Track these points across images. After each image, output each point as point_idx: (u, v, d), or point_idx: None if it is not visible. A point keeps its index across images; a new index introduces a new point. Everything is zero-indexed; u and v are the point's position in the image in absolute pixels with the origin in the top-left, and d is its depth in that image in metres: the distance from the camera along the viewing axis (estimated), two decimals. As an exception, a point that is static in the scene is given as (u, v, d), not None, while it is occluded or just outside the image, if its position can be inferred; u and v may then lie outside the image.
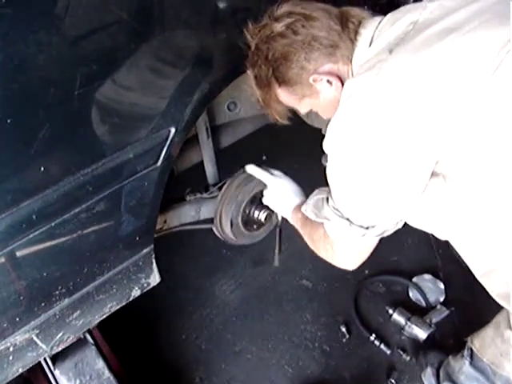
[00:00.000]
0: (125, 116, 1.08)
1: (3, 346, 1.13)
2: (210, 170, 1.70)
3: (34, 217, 0.98)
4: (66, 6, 0.89)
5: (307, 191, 1.43)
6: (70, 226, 1.07)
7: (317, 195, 1.23)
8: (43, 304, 1.15)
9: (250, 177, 1.57)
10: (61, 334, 1.26)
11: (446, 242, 1.13)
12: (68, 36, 0.92)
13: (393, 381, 1.85)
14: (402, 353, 1.94)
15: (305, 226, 1.35)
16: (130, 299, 1.40)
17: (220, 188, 1.63)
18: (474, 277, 1.16)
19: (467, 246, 1.09)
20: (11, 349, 1.15)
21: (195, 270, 2.35)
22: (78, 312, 1.26)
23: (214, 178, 1.71)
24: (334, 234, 1.15)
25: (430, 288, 2.16)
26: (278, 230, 1.70)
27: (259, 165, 1.56)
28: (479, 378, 1.51)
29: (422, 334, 1.92)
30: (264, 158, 2.88)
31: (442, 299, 2.12)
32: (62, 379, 1.50)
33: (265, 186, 1.53)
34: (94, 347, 1.56)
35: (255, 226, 1.70)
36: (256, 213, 1.65)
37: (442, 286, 2.16)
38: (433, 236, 1.13)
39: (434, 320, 1.97)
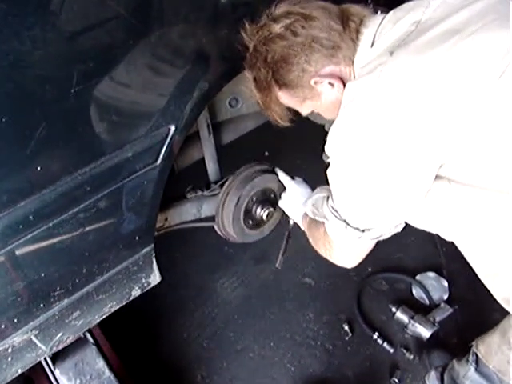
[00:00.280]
0: (123, 114, 1.06)
1: (2, 346, 1.13)
2: (212, 167, 1.68)
3: (31, 217, 0.97)
4: (62, 0, 0.87)
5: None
6: (68, 226, 1.06)
7: (318, 193, 1.23)
8: (42, 304, 1.15)
9: (252, 174, 1.56)
10: (60, 335, 1.25)
11: (450, 240, 1.12)
12: (64, 32, 0.90)
13: (396, 380, 1.84)
14: (405, 351, 1.93)
15: (310, 228, 1.36)
16: (130, 299, 1.39)
17: (222, 185, 1.62)
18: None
19: (471, 248, 1.07)
20: (10, 350, 1.15)
21: (197, 268, 2.34)
22: (78, 312, 1.26)
23: (215, 176, 1.70)
24: (332, 233, 1.16)
25: (433, 286, 2.15)
26: (287, 233, 1.69)
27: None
28: None
29: (425, 332, 1.91)
30: (266, 154, 2.86)
31: (445, 297, 2.11)
32: (62, 379, 1.50)
33: (279, 187, 1.55)
34: (94, 347, 1.56)
35: (257, 224, 1.69)
36: (258, 211, 1.64)
37: (445, 283, 2.15)
38: (437, 234, 1.11)
39: (438, 318, 1.96)
